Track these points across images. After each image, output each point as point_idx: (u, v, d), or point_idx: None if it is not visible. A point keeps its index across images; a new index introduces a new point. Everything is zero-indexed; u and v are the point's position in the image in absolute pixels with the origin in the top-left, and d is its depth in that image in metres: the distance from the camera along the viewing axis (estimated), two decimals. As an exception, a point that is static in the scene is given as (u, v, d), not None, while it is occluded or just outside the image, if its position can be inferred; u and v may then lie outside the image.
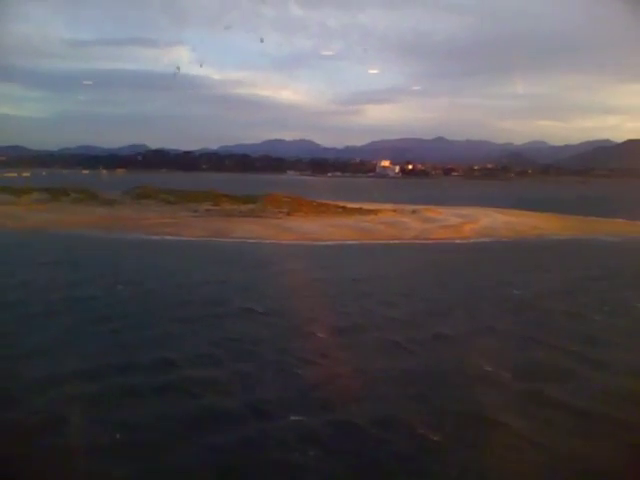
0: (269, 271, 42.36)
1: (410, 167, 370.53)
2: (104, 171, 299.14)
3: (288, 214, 77.01)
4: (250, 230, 62.74)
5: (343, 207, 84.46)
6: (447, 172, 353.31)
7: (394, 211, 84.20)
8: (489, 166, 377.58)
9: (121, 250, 50.96)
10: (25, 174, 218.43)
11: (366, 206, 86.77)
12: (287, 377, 21.70)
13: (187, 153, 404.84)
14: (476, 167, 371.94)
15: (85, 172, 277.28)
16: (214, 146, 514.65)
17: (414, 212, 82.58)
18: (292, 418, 18.00)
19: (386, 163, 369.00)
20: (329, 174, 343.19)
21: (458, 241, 60.98)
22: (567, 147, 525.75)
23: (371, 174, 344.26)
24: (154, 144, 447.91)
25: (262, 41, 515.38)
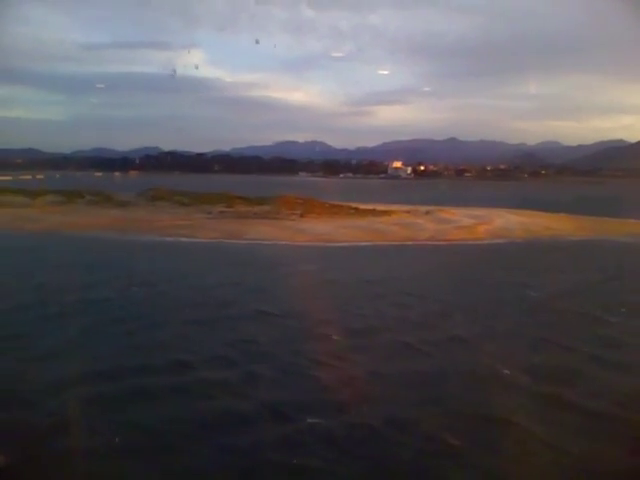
0: (283, 272, 42.31)
1: (422, 168, 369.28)
2: (117, 173, 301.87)
3: (301, 216, 76.92)
4: (264, 232, 62.78)
5: (356, 208, 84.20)
6: (459, 173, 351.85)
7: (407, 212, 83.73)
8: (502, 167, 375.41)
9: (135, 252, 51.16)
10: (39, 176, 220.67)
11: (379, 207, 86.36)
12: (302, 379, 21.63)
13: (199, 155, 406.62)
14: (489, 168, 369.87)
15: (98, 174, 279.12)
16: (226, 148, 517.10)
17: (428, 213, 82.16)
18: (309, 420, 17.93)
19: (398, 164, 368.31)
20: (341, 175, 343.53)
21: (472, 242, 60.54)
22: (580, 147, 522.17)
23: (383, 175, 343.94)
24: (167, 146, 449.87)
25: (257, 42, 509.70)
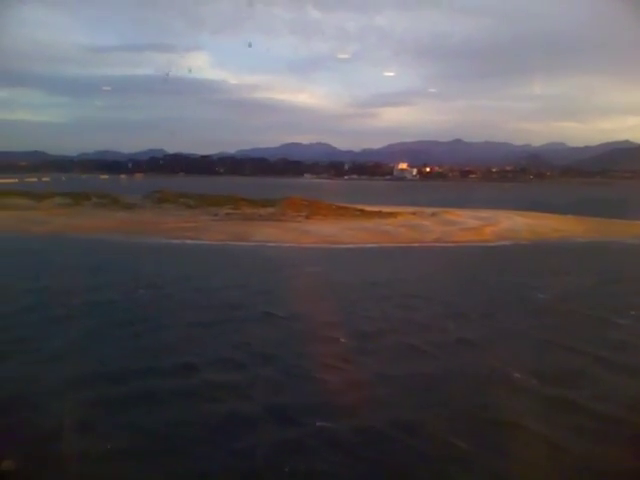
0: (289, 274, 42.26)
1: (427, 170, 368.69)
2: (122, 176, 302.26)
3: (307, 217, 76.88)
4: (270, 233, 62.74)
5: (362, 210, 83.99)
6: (465, 174, 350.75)
7: (414, 214, 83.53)
8: (507, 168, 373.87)
9: (142, 254, 51.23)
10: (45, 179, 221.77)
11: (385, 209, 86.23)
12: (309, 382, 21.52)
13: (205, 157, 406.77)
14: (494, 169, 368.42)
15: (104, 177, 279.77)
16: (231, 150, 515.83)
17: (434, 215, 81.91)
18: (317, 424, 17.83)
19: (403, 166, 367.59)
20: (346, 177, 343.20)
21: (479, 244, 60.41)
22: (586, 148, 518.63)
23: (388, 177, 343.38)
24: (171, 149, 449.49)
25: (250, 46, 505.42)
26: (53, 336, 26.36)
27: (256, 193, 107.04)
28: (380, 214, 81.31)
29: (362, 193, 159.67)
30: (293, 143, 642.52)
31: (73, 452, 15.87)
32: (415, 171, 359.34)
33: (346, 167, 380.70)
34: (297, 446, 16.61)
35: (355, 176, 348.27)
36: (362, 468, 15.60)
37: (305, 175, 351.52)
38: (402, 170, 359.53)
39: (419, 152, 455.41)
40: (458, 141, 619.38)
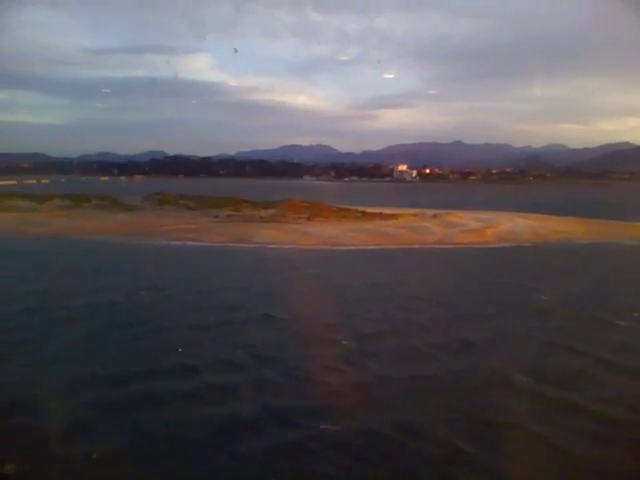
0: (290, 276, 42.18)
1: (427, 171, 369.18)
2: (122, 177, 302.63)
3: (308, 219, 76.82)
4: (271, 235, 62.66)
5: (363, 212, 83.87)
6: (465, 176, 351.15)
7: (415, 216, 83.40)
8: (507, 170, 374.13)
9: (142, 256, 51.23)
10: (44, 181, 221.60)
11: (386, 211, 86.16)
12: (312, 384, 21.43)
13: (205, 159, 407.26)
14: (494, 171, 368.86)
15: (104, 179, 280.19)
16: (231, 152, 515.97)
17: (435, 216, 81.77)
18: (318, 426, 17.72)
19: (403, 167, 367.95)
20: (346, 179, 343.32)
21: (480, 245, 60.30)
22: (586, 150, 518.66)
23: (388, 178, 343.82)
24: (172, 150, 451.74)
25: (236, 51, 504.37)
26: (54, 338, 26.27)
27: (256, 195, 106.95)
28: (381, 216, 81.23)
29: (362, 195, 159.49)
30: (293, 145, 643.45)
31: (74, 455, 15.80)
32: (415, 173, 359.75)
33: (346, 169, 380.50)
34: (299, 448, 16.50)
35: (355, 178, 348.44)
36: (365, 470, 15.52)
37: (305, 177, 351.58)
38: (402, 172, 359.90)
39: (419, 154, 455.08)
40: (458, 143, 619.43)
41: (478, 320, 30.53)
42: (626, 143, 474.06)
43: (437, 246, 59.86)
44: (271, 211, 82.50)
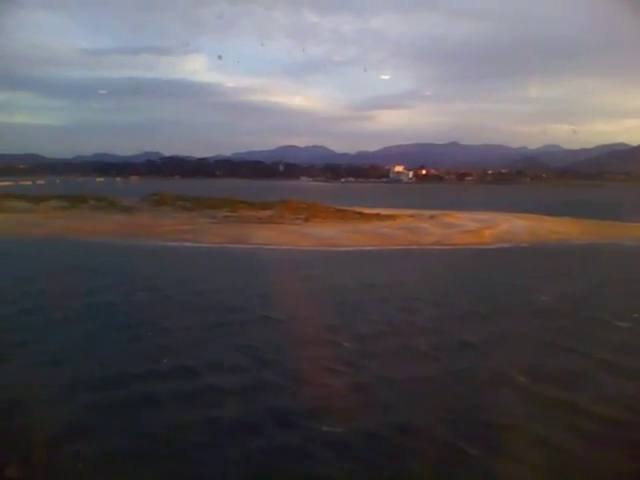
0: (287, 277, 42.03)
1: (424, 172, 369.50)
2: (118, 178, 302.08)
3: (305, 220, 76.68)
4: (268, 236, 62.52)
5: (360, 213, 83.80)
6: (461, 177, 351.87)
7: (412, 216, 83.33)
8: (503, 170, 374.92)
9: (140, 257, 51.08)
10: (39, 182, 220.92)
11: (383, 211, 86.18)
12: (312, 386, 21.32)
13: (201, 160, 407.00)
14: (490, 171, 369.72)
15: (99, 180, 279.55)
16: (227, 153, 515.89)
17: (432, 217, 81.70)
18: (321, 428, 17.62)
19: (399, 168, 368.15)
20: (342, 180, 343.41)
21: (478, 246, 60.33)
22: (582, 151, 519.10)
23: (384, 179, 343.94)
24: (168, 151, 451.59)
25: (220, 58, 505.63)
26: (52, 339, 26.11)
27: (253, 196, 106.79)
28: (378, 217, 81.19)
29: (359, 196, 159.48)
30: (289, 146, 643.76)
31: (75, 456, 15.68)
32: (411, 174, 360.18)
33: (342, 170, 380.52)
34: (300, 450, 16.40)
35: (351, 179, 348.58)
36: (366, 472, 15.45)
37: (301, 178, 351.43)
38: (398, 173, 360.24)
39: (415, 155, 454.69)
40: (454, 144, 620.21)
41: (478, 320, 30.52)
42: (622, 144, 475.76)
43: (435, 247, 59.82)
44: (268, 212, 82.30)
